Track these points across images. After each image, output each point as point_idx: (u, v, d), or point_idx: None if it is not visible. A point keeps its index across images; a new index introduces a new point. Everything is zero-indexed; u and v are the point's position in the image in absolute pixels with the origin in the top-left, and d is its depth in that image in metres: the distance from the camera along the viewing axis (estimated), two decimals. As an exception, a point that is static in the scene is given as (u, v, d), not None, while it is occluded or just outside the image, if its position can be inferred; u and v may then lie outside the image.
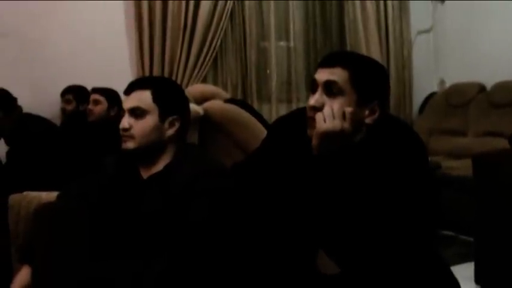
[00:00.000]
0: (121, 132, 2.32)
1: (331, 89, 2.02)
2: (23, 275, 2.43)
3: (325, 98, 2.03)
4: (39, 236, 2.47)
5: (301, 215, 2.04)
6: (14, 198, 3.03)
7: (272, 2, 5.96)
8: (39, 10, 5.20)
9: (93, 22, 5.33)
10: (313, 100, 2.04)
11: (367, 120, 2.05)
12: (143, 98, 2.33)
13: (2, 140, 4.15)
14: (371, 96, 2.05)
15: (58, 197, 2.61)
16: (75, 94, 4.98)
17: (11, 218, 2.99)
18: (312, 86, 2.07)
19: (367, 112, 2.05)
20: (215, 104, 3.57)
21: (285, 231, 2.06)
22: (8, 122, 4.00)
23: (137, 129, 2.30)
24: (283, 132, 2.23)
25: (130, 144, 2.31)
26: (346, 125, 2.00)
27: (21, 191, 3.08)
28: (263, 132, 3.27)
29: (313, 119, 2.03)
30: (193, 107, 3.09)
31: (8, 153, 4.05)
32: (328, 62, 2.06)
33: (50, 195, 2.75)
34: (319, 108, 2.02)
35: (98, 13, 5.33)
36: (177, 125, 2.36)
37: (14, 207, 2.99)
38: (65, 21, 5.27)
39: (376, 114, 2.06)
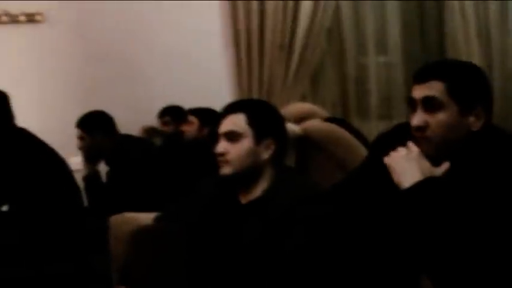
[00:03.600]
0: (217, 157, 2.30)
1: (430, 105, 1.94)
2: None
3: (426, 116, 1.94)
4: (137, 258, 2.47)
5: (404, 240, 1.95)
6: (114, 219, 3.07)
7: (370, 17, 5.85)
8: (137, 30, 5.30)
9: (190, 42, 5.37)
10: (415, 120, 1.96)
11: (474, 128, 1.96)
12: (237, 121, 2.31)
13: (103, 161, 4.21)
14: (473, 103, 1.96)
15: (156, 219, 2.62)
16: (172, 115, 5.02)
17: (111, 239, 3.03)
18: (411, 104, 1.99)
19: (471, 119, 1.96)
20: (314, 124, 3.50)
21: (386, 257, 1.98)
22: (107, 143, 4.05)
23: (232, 153, 2.28)
24: (385, 149, 2.14)
25: (226, 170, 2.30)
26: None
27: (121, 212, 3.11)
28: (364, 151, 3.18)
29: (421, 138, 1.96)
30: (291, 126, 3.04)
31: (107, 174, 4.11)
32: (422, 77, 1.98)
33: (148, 217, 2.76)
34: (423, 128, 1.93)
35: (195, 32, 5.38)
36: (273, 147, 2.33)
37: (113, 228, 3.03)
38: (162, 41, 5.35)
39: (482, 120, 1.97)
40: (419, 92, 1.97)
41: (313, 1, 5.45)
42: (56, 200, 3.49)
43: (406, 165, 1.95)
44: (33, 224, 3.40)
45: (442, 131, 1.94)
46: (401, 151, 1.98)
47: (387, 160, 1.99)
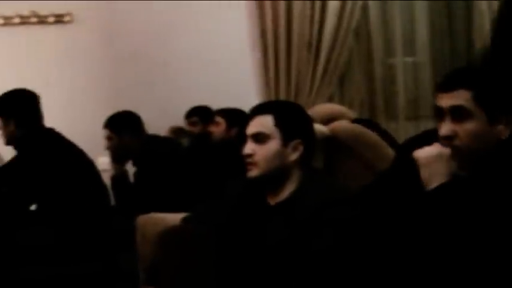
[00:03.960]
0: (244, 159, 2.29)
1: (458, 114, 1.91)
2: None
3: (454, 125, 1.92)
4: (165, 259, 2.48)
5: (433, 244, 1.93)
6: (141, 219, 3.08)
7: (397, 16, 5.81)
8: (165, 31, 5.31)
9: (218, 42, 5.38)
10: (443, 130, 1.94)
11: (503, 136, 1.93)
12: (264, 123, 2.30)
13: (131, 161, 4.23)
14: (502, 110, 1.92)
15: (184, 220, 2.62)
16: (200, 116, 5.03)
17: (138, 239, 3.04)
18: (438, 113, 1.96)
19: (501, 127, 1.93)
20: (342, 125, 3.49)
21: (414, 260, 1.96)
22: (135, 143, 4.07)
23: (260, 155, 2.27)
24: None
25: (254, 172, 2.29)
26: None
27: (148, 212, 3.12)
28: (392, 153, 3.16)
29: (449, 148, 1.93)
30: (318, 127, 3.03)
31: (135, 174, 4.13)
32: (448, 86, 1.95)
33: (176, 217, 2.76)
34: (451, 137, 1.91)
35: (222, 33, 5.39)
36: (300, 149, 2.31)
37: (141, 228, 3.04)
38: (190, 41, 5.36)
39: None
40: (446, 101, 1.94)
41: (340, 1, 5.44)
42: (83, 200, 3.52)
43: (437, 165, 1.93)
44: (61, 223, 3.43)
45: (471, 140, 1.92)
46: (434, 148, 1.96)
47: (418, 154, 1.97)
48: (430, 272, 1.90)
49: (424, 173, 1.94)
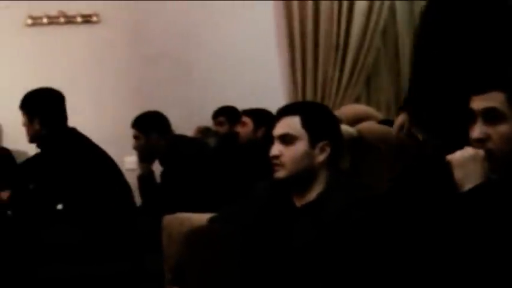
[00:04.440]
0: (271, 160, 2.28)
1: (491, 117, 1.88)
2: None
3: (487, 128, 1.89)
4: (190, 259, 2.48)
5: (468, 246, 1.91)
6: (167, 219, 3.08)
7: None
8: (191, 31, 5.32)
9: (245, 43, 5.39)
10: (476, 132, 1.91)
11: None
12: (292, 124, 2.28)
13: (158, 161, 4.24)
14: None
15: (210, 220, 2.62)
16: (227, 116, 5.03)
17: (164, 239, 3.04)
18: (469, 116, 1.94)
19: None
20: (369, 126, 3.47)
21: (443, 260, 1.94)
22: (162, 143, 4.08)
23: (287, 156, 2.26)
24: (443, 153, 2.10)
25: (281, 173, 2.27)
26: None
27: (174, 212, 3.12)
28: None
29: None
30: (346, 128, 3.02)
31: (162, 174, 4.13)
32: (481, 88, 1.92)
33: (202, 217, 2.76)
34: (483, 140, 1.89)
35: (249, 34, 5.39)
36: (328, 150, 2.30)
37: (166, 228, 3.03)
38: (216, 41, 5.37)
39: None
40: (478, 103, 1.91)
41: (368, 1, 5.41)
42: (108, 200, 3.53)
43: (472, 166, 1.90)
44: (87, 222, 3.44)
45: (504, 143, 1.89)
46: (468, 150, 1.93)
47: (451, 157, 1.95)
48: (464, 272, 1.88)
49: (458, 174, 1.91)
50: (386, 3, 5.53)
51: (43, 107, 3.56)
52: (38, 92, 3.62)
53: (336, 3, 5.39)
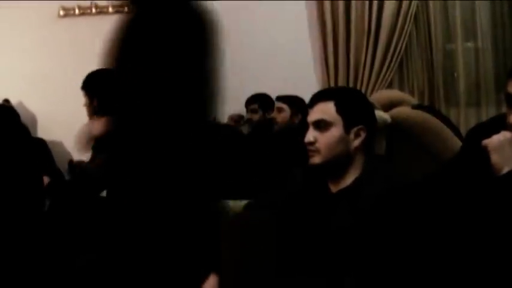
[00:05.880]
0: (307, 146, 2.28)
1: None
2: (210, 283, 2.46)
3: None
4: (228, 246, 2.48)
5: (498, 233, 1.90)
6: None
7: (457, 2, 5.70)
8: (224, 20, 5.32)
9: (277, 29, 5.38)
10: None
11: None
12: (326, 110, 2.28)
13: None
14: None
15: (246, 207, 2.63)
16: (260, 103, 5.03)
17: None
18: (508, 101, 1.92)
19: None
20: (403, 111, 3.45)
21: (482, 248, 1.93)
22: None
23: (322, 142, 2.26)
24: (480, 140, 2.08)
25: (316, 159, 2.27)
26: None
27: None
28: (454, 139, 3.12)
29: None
30: (380, 114, 3.00)
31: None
32: None
33: (237, 204, 2.77)
34: None
35: (281, 21, 5.38)
36: (362, 135, 2.29)
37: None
38: (248, 29, 5.35)
39: None
40: None
41: (399, -14, 5.38)
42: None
43: (509, 150, 1.89)
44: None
45: None
46: (505, 134, 1.91)
47: (487, 142, 1.93)
48: (506, 256, 1.88)
49: (495, 158, 1.90)
50: (418, -12, 5.49)
51: (102, 87, 3.58)
52: (98, 73, 3.64)
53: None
